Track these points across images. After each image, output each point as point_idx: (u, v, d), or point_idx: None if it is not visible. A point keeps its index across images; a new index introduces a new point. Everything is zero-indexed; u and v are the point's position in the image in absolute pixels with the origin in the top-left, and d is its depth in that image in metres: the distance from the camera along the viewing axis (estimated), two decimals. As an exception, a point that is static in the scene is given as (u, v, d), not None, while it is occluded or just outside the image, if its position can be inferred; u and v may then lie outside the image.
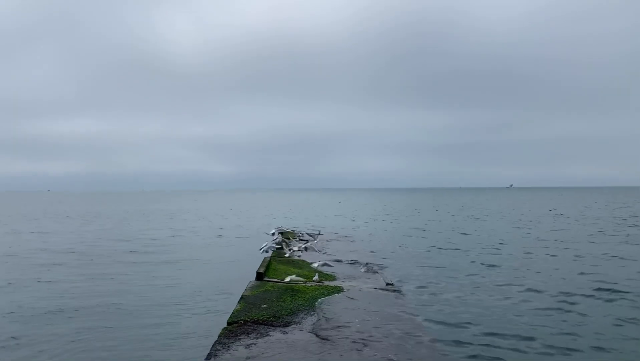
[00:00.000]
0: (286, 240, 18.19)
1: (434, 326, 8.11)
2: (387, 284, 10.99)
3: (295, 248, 16.54)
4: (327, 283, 10.74)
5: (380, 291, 10.12)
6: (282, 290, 9.57)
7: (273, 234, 18.40)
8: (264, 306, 8.27)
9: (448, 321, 8.60)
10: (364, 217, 41.48)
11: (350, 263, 13.81)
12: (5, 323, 9.28)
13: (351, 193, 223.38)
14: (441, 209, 55.06)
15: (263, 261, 13.02)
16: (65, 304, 10.70)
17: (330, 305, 8.57)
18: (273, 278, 11.07)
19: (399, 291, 10.31)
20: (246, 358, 5.91)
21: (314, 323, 7.38)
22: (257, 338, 6.64)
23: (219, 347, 6.30)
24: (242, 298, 8.94)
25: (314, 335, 6.83)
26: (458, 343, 7.44)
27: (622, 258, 16.05)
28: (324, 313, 7.96)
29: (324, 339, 6.68)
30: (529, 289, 11.21)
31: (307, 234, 20.43)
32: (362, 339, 6.68)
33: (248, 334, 6.82)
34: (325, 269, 12.47)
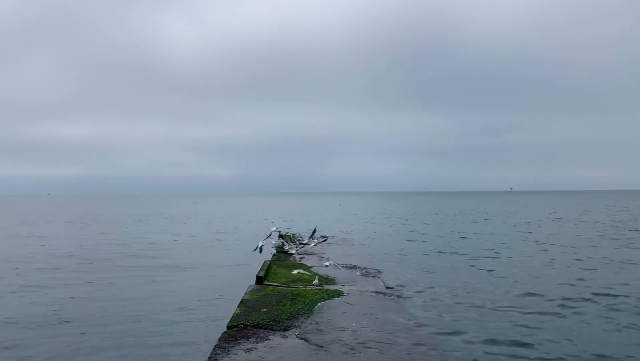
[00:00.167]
0: (285, 242, 18.24)
1: (433, 330, 8.09)
2: (387, 288, 11.01)
3: (301, 247, 16.73)
4: (327, 286, 10.75)
5: (380, 295, 10.12)
6: (282, 294, 9.58)
7: (270, 235, 18.36)
8: (264, 310, 8.28)
9: (447, 326, 8.59)
10: (363, 221, 41.49)
11: (350, 267, 13.81)
12: (1, 328, 9.20)
13: (351, 196, 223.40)
14: (441, 212, 55.08)
15: (263, 265, 13.02)
16: (63, 309, 10.61)
17: (330, 309, 8.58)
18: (273, 281, 11.08)
19: (398, 296, 10.32)
20: (246, 363, 5.92)
21: (313, 327, 7.39)
22: (257, 342, 6.65)
23: (218, 351, 6.31)
24: (241, 301, 8.95)
25: (314, 339, 6.84)
26: (457, 348, 7.42)
27: (621, 262, 16.06)
28: (324, 318, 7.97)
29: (323, 344, 6.69)
30: (528, 294, 11.19)
31: (310, 238, 20.36)
32: (361, 344, 6.69)
33: (248, 338, 6.83)
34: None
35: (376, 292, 10.36)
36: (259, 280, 10.97)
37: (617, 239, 23.74)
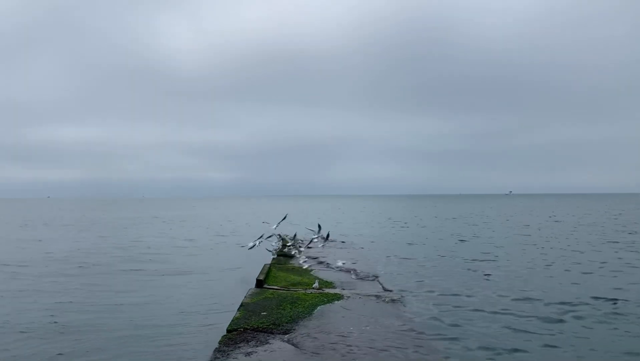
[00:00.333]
0: (288, 240, 18.29)
1: (431, 335, 8.08)
2: (386, 291, 11.01)
3: (303, 248, 16.75)
4: (327, 290, 10.75)
5: (379, 299, 10.13)
6: (282, 298, 9.59)
7: (263, 236, 18.33)
8: (264, 313, 8.29)
9: (446, 330, 8.58)
10: (363, 224, 41.50)
11: (350, 271, 13.82)
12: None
13: (351, 199, 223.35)
14: (440, 215, 55.09)
15: (263, 268, 13.03)
16: (60, 314, 10.44)
17: (330, 313, 8.59)
18: (273, 285, 11.08)
19: (398, 299, 10.32)
20: (246, 366, 5.92)
21: (313, 331, 7.39)
22: (257, 346, 6.65)
23: (218, 355, 6.31)
24: (241, 305, 8.95)
25: (313, 344, 6.84)
26: (456, 354, 7.40)
27: (621, 266, 16.07)
28: (324, 321, 7.98)
29: (323, 348, 6.69)
30: (527, 298, 11.15)
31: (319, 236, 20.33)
32: (359, 349, 6.70)
33: (248, 342, 6.83)
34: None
35: (375, 296, 10.36)
36: (259, 283, 10.98)
37: (617, 242, 23.75)
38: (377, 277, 13.07)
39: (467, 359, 7.20)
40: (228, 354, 6.33)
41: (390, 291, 11.19)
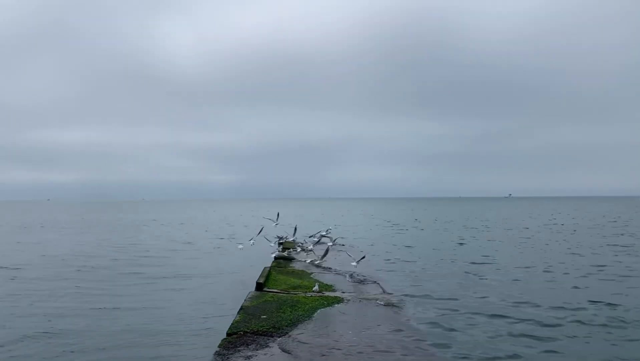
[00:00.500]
0: (290, 247, 18.34)
1: (430, 340, 8.05)
2: (386, 294, 11.00)
3: (310, 247, 16.87)
4: (327, 293, 10.74)
5: (379, 302, 10.12)
6: (281, 301, 9.58)
7: (261, 232, 18.45)
8: (264, 317, 8.28)
9: (445, 335, 8.57)
10: (364, 227, 41.49)
11: (350, 274, 13.80)
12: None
13: (350, 201, 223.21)
14: (440, 218, 55.07)
15: (263, 271, 13.01)
16: (57, 318, 10.36)
17: (330, 316, 8.58)
18: (273, 288, 11.07)
19: (397, 303, 10.31)
20: (246, 370, 5.91)
21: (313, 335, 7.39)
22: (257, 350, 6.64)
23: (218, 358, 6.31)
24: (241, 308, 8.94)
25: (313, 347, 6.83)
26: (455, 359, 7.39)
27: (621, 270, 16.05)
28: (323, 325, 7.97)
29: (322, 351, 6.69)
30: (527, 303, 11.13)
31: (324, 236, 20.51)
32: (359, 352, 6.69)
33: (247, 345, 6.82)
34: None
35: (375, 299, 10.35)
36: (259, 287, 10.96)
37: (616, 245, 23.76)
38: (376, 280, 13.06)
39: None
40: (228, 357, 6.33)
41: (390, 294, 11.17)
